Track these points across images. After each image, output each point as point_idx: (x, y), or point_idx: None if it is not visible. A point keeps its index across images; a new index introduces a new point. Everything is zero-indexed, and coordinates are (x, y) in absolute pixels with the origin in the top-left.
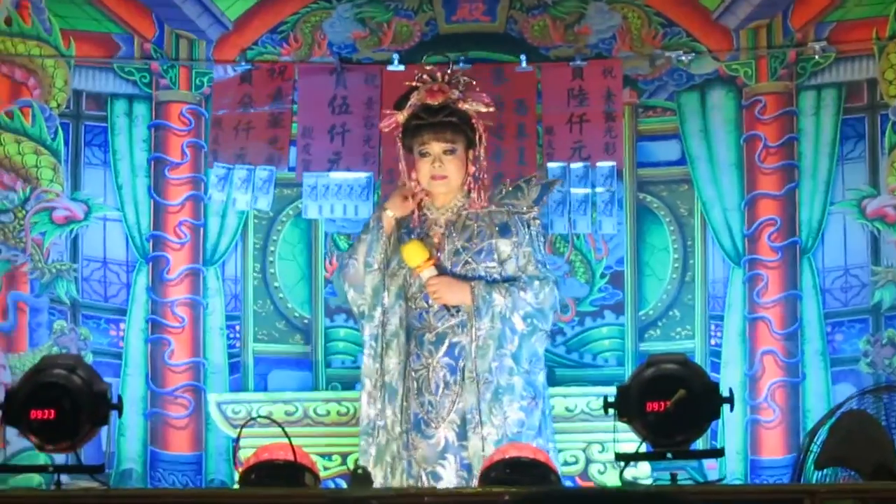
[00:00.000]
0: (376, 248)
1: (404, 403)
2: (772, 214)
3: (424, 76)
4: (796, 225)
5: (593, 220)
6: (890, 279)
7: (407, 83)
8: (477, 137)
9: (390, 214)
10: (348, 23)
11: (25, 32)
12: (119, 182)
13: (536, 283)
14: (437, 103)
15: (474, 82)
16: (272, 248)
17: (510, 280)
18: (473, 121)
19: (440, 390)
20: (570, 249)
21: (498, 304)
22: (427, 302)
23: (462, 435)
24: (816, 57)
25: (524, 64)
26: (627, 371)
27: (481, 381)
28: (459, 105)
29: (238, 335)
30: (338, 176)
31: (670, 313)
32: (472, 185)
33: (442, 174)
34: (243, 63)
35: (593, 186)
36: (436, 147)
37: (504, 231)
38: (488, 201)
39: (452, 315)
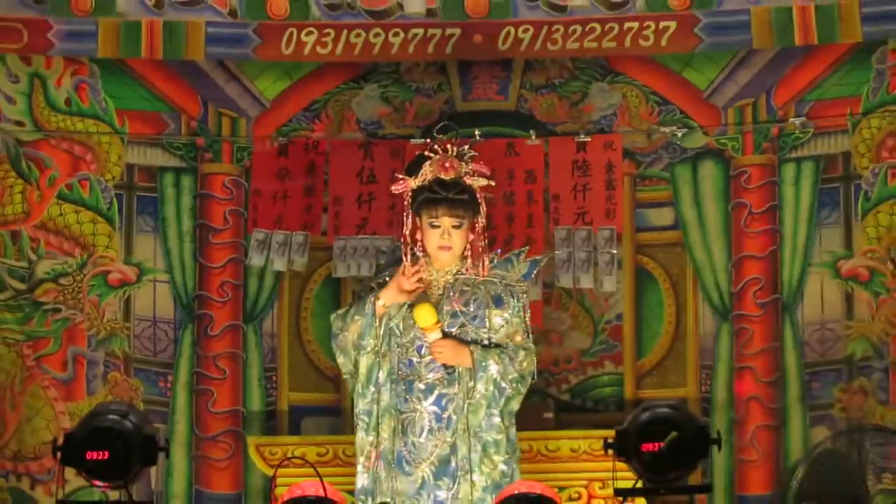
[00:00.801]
0: (370, 332)
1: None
2: (756, 274)
3: (436, 146)
4: (778, 283)
5: (595, 279)
6: (862, 333)
7: (417, 152)
8: (480, 209)
9: (381, 304)
10: (374, 101)
11: (83, 112)
12: (168, 247)
13: (522, 352)
14: (449, 178)
15: (477, 154)
16: (305, 306)
17: (499, 346)
18: (478, 195)
19: (424, 434)
20: (574, 305)
21: (492, 370)
22: (419, 353)
23: (438, 475)
24: (797, 132)
25: (533, 138)
26: (626, 415)
27: (472, 434)
28: (467, 180)
29: (274, 385)
30: (365, 239)
31: (665, 363)
32: (469, 253)
33: (449, 245)
34: (280, 138)
35: (595, 248)
36: (447, 221)
37: (498, 302)
38: (483, 271)
39: (443, 366)
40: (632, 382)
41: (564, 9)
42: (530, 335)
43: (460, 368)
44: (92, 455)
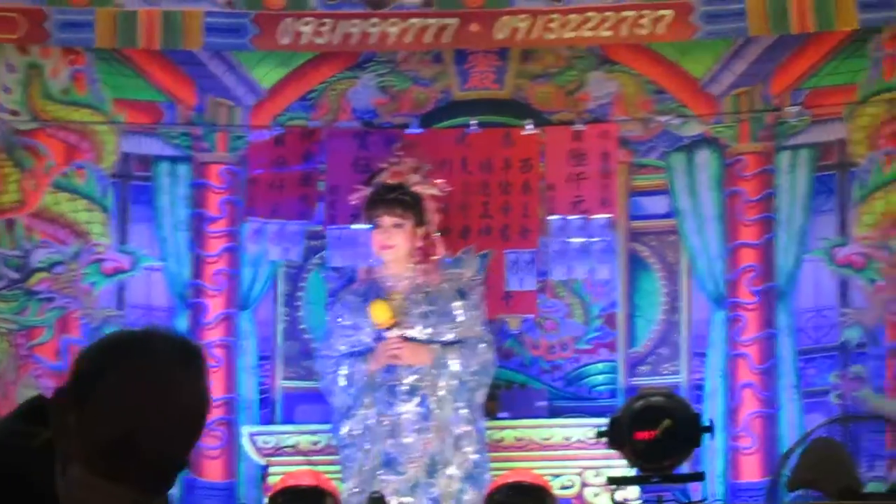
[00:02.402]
0: (361, 397)
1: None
2: (751, 262)
3: (394, 160)
4: (773, 271)
5: (590, 267)
6: (857, 320)
7: (382, 165)
8: (427, 217)
9: (365, 368)
10: (371, 90)
11: (80, 101)
12: (163, 235)
13: (482, 345)
14: (393, 182)
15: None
16: (300, 294)
17: (459, 341)
18: (424, 202)
19: (413, 435)
20: (569, 293)
21: (453, 365)
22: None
23: (430, 473)
24: (792, 120)
25: (530, 127)
26: (619, 403)
27: (444, 428)
28: (414, 187)
29: (268, 373)
30: (359, 228)
31: (659, 351)
32: (421, 259)
33: (389, 244)
34: (276, 127)
35: (590, 237)
36: (386, 220)
37: (460, 295)
38: (437, 273)
39: (419, 368)
40: (625, 370)
41: None
42: (486, 327)
43: (431, 368)
44: None
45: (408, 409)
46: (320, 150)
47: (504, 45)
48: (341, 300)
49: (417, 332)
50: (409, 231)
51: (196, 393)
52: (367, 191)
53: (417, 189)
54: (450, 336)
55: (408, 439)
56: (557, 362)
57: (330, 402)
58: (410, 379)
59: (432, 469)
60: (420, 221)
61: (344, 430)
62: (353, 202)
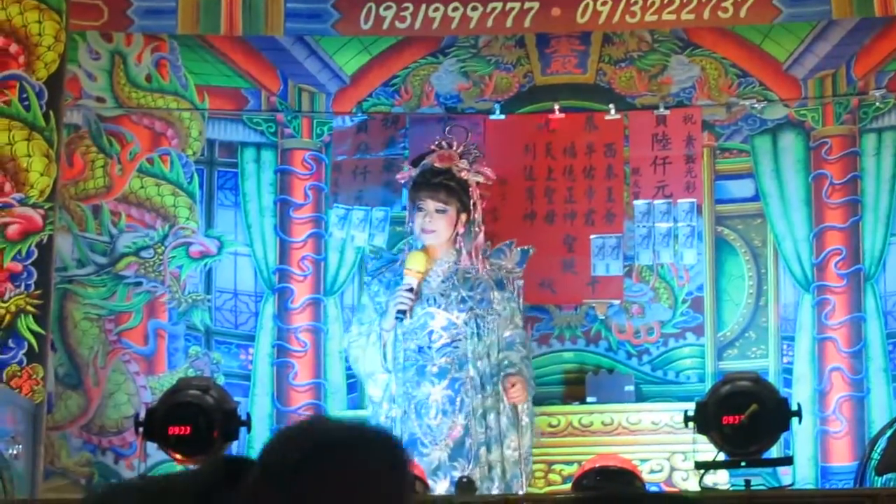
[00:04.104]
0: (378, 359)
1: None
2: (838, 245)
3: (443, 143)
4: (860, 254)
5: (675, 252)
6: None
7: (433, 146)
8: (472, 204)
9: (386, 331)
10: (453, 76)
11: (164, 88)
12: (248, 221)
13: (524, 335)
14: (441, 167)
15: (481, 156)
16: None
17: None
18: (471, 189)
19: (439, 417)
20: (655, 278)
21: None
22: (430, 338)
23: (453, 457)
24: (877, 103)
25: (613, 112)
26: (707, 387)
27: (472, 415)
28: (461, 174)
29: None
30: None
31: (746, 335)
32: (463, 244)
33: (431, 228)
34: (360, 113)
35: (675, 221)
36: (430, 205)
37: (499, 286)
38: (479, 261)
39: (454, 349)
40: (713, 354)
41: None
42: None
43: (468, 352)
44: (174, 430)
45: (436, 391)
46: (404, 136)
47: (586, 28)
48: (380, 278)
49: (454, 316)
50: (451, 217)
51: (400, 500)
52: (412, 172)
53: (464, 175)
54: (489, 320)
55: (433, 421)
56: (644, 346)
57: (355, 369)
58: (442, 361)
59: (454, 453)
60: (464, 208)
61: (373, 391)
62: (400, 181)
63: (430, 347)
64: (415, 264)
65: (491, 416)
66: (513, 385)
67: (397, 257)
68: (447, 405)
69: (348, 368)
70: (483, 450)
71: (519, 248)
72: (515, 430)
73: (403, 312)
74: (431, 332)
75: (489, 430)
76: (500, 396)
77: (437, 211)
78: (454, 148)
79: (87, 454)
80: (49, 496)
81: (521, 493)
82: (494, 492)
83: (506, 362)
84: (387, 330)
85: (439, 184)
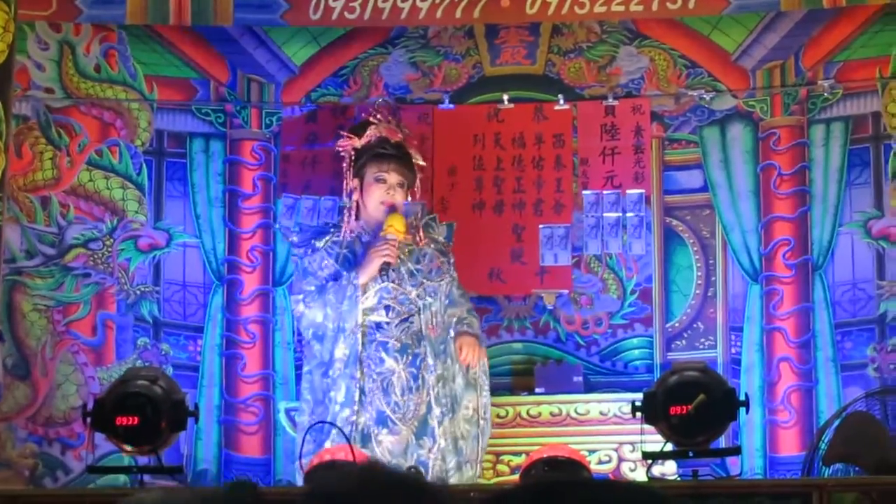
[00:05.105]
0: (354, 313)
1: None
2: (786, 235)
3: (378, 115)
4: (808, 244)
5: (624, 242)
6: (894, 292)
7: (364, 116)
8: (416, 179)
9: (361, 283)
10: (402, 66)
11: (113, 78)
12: (197, 212)
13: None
14: (396, 140)
15: (409, 133)
16: None
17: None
18: (415, 164)
19: (405, 393)
20: (604, 268)
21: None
22: (387, 314)
23: (419, 436)
24: (825, 94)
25: (562, 102)
26: (656, 378)
27: (430, 390)
28: (411, 149)
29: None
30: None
31: (694, 325)
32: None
33: (392, 201)
34: (308, 104)
35: (624, 212)
36: (394, 177)
37: (442, 253)
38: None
39: (410, 324)
40: (661, 345)
41: None
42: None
43: (423, 326)
44: (122, 420)
45: (399, 368)
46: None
47: (535, 19)
48: (323, 248)
49: (407, 290)
50: (405, 193)
51: None
52: (356, 141)
53: (412, 152)
54: (438, 290)
55: (400, 399)
56: (593, 337)
57: (315, 323)
58: (403, 337)
59: (420, 432)
60: (411, 183)
61: (339, 351)
62: (340, 150)
63: (388, 324)
64: (396, 223)
65: (448, 385)
66: (463, 347)
67: (326, 229)
68: (411, 382)
69: (297, 359)
70: (446, 421)
71: (444, 224)
72: (474, 389)
73: (388, 264)
74: (389, 308)
75: (447, 399)
76: (455, 358)
77: (399, 185)
78: (392, 122)
79: (32, 445)
80: None
81: (479, 455)
82: (452, 465)
83: (454, 320)
84: (362, 283)
85: (401, 156)
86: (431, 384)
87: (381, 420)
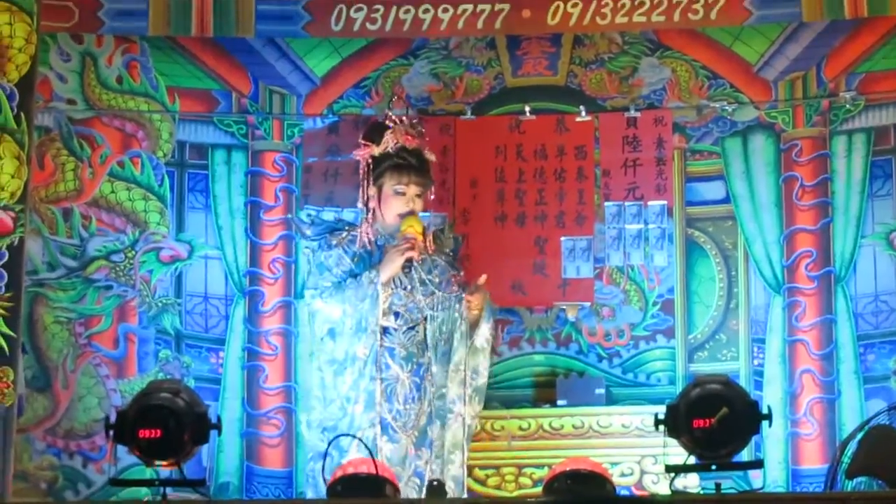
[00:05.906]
0: (375, 312)
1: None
2: (808, 247)
3: (395, 119)
4: (831, 256)
5: (646, 254)
6: None
7: (379, 120)
8: (432, 184)
9: (382, 281)
10: (424, 77)
11: (135, 90)
12: (219, 224)
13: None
14: (412, 147)
15: (423, 131)
16: None
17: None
18: (431, 164)
19: (407, 402)
20: (625, 280)
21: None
22: (395, 320)
23: (417, 446)
24: (847, 105)
25: (583, 114)
26: (678, 390)
27: (432, 402)
28: (426, 153)
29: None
30: None
31: (717, 337)
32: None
33: (412, 213)
34: (330, 115)
35: (646, 223)
36: (413, 189)
37: (452, 266)
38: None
39: (415, 332)
40: (683, 357)
41: None
42: None
43: (428, 336)
44: (144, 433)
45: (404, 375)
46: None
47: (556, 30)
48: (339, 246)
49: (416, 299)
50: (423, 201)
51: None
52: (375, 148)
53: (428, 156)
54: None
55: (402, 407)
56: (615, 349)
57: (332, 319)
58: (409, 345)
59: (420, 442)
60: (429, 188)
61: (359, 350)
62: (358, 157)
63: (395, 329)
64: (415, 224)
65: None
66: (472, 294)
67: (339, 226)
68: (413, 391)
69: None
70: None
71: (452, 236)
72: (464, 346)
73: (411, 261)
74: (398, 315)
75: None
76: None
77: (418, 195)
78: (406, 124)
79: (51, 458)
80: (12, 500)
81: (465, 418)
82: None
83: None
84: (384, 280)
85: (419, 167)
86: (433, 396)
87: (383, 427)
